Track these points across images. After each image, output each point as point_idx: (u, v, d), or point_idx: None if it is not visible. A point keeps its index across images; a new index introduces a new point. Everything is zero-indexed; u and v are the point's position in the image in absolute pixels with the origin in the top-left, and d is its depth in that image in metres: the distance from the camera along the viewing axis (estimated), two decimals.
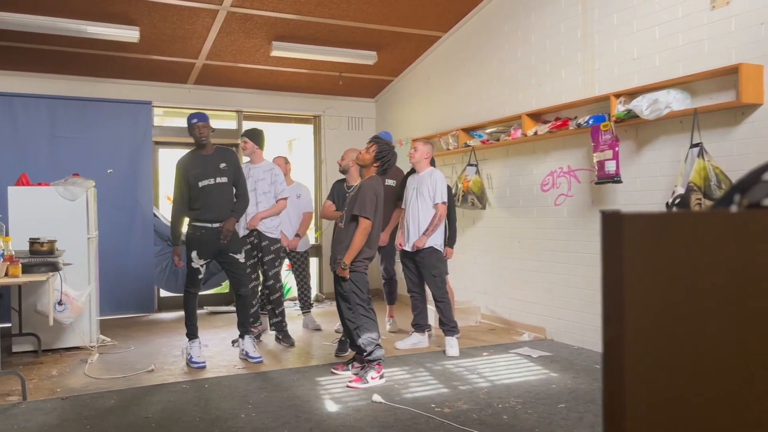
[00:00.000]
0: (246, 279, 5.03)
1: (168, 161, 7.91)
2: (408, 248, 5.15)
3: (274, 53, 6.81)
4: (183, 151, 8.16)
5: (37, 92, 6.84)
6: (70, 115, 6.88)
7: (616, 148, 4.68)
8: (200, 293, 7.50)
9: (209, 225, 4.77)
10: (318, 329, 6.24)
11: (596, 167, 4.83)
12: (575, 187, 5.36)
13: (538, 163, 5.78)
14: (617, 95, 4.73)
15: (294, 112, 8.38)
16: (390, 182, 5.96)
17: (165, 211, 7.72)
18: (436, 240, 5.17)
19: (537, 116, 5.68)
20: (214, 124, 8.22)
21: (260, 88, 8.04)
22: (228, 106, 7.96)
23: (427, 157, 5.29)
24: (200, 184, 4.76)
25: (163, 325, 6.67)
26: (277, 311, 5.64)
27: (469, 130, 6.49)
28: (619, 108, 4.69)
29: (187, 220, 4.85)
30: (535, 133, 5.46)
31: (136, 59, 6.84)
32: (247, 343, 4.98)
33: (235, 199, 4.92)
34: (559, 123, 5.23)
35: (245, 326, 5.01)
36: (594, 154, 4.85)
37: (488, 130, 6.19)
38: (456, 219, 5.72)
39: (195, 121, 4.80)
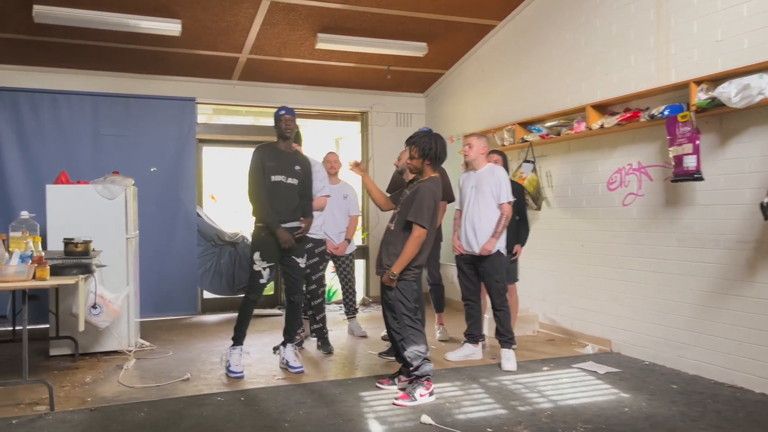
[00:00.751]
0: (301, 285, 4.75)
1: (212, 160, 7.73)
2: (474, 251, 4.73)
3: (320, 46, 6.51)
4: (228, 150, 8.06)
5: (81, 89, 6.73)
6: (113, 113, 6.74)
7: (697, 142, 4.16)
8: (239, 295, 7.32)
9: (270, 228, 4.50)
10: (363, 336, 5.90)
11: (672, 163, 4.32)
12: (647, 186, 4.84)
13: (604, 159, 5.28)
14: (698, 82, 4.20)
15: (340, 108, 8.06)
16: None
17: (208, 210, 7.53)
18: (501, 243, 4.75)
19: (603, 108, 5.18)
20: (260, 122, 8.03)
21: (306, 84, 7.76)
22: (273, 103, 7.68)
23: (484, 153, 4.86)
24: (273, 178, 4.49)
25: (204, 328, 6.46)
26: (318, 317, 5.32)
27: (527, 125, 6.03)
28: (700, 96, 4.17)
29: (252, 220, 4.60)
30: (601, 127, 4.96)
31: (179, 54, 6.65)
32: (289, 351, 4.67)
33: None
34: (628, 115, 4.72)
35: (291, 334, 4.70)
36: (670, 149, 4.34)
37: (548, 124, 5.72)
38: (527, 216, 5.41)
39: (283, 113, 4.58)
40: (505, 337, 4.73)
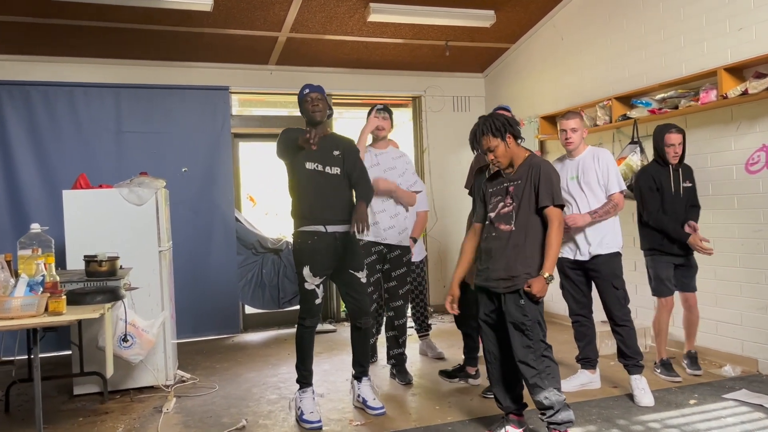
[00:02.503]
0: (368, 305, 3.80)
1: (250, 156, 6.84)
2: (584, 257, 3.78)
3: (372, 18, 5.58)
4: (266, 145, 7.16)
5: (100, 81, 5.88)
6: (137, 106, 5.89)
7: None
8: (293, 307, 6.45)
9: (323, 229, 3.58)
10: (441, 358, 4.96)
11: None
12: None
13: (740, 135, 4.26)
14: None
15: (391, 93, 7.12)
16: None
17: (248, 214, 6.65)
18: (617, 241, 3.79)
19: (737, 71, 4.17)
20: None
21: (352, 67, 6.83)
22: None
23: (585, 136, 3.90)
24: (307, 165, 3.60)
25: (250, 351, 5.57)
26: (400, 340, 4.40)
27: (628, 98, 5.02)
28: None
29: (291, 225, 3.69)
30: (744, 93, 3.95)
31: (210, 35, 5.76)
32: (365, 388, 3.75)
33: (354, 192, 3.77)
34: None
35: (364, 366, 3.79)
36: None
37: (658, 96, 4.72)
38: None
39: (307, 91, 3.68)
40: (633, 360, 3.76)
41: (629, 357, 3.76)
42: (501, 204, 3.00)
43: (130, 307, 3.88)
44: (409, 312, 4.90)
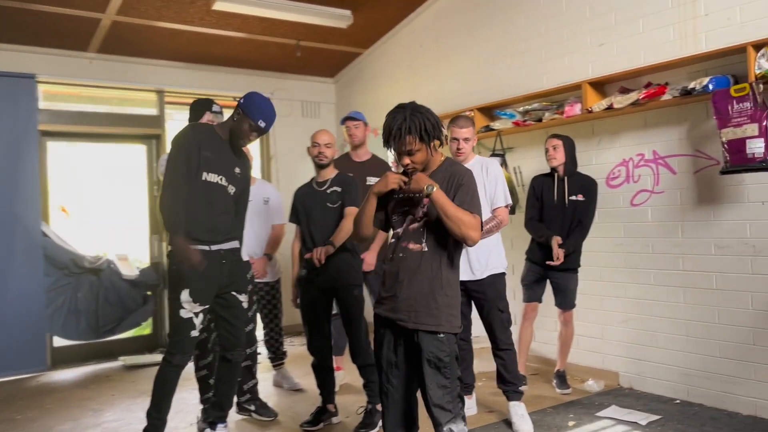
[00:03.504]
0: (244, 335, 3.20)
1: (62, 158, 5.76)
2: (473, 275, 3.47)
3: (218, 6, 4.94)
4: (82, 146, 6.07)
5: None
6: None
7: (765, 122, 3.25)
8: (115, 336, 5.50)
9: (207, 248, 2.96)
10: (298, 389, 4.42)
11: (725, 150, 3.39)
12: (667, 181, 3.91)
13: (601, 150, 4.29)
14: (758, 45, 3.31)
15: (232, 93, 6.42)
16: (373, 181, 4.28)
17: (59, 227, 5.56)
18: (502, 260, 3.55)
19: (598, 86, 4.20)
20: (127, 110, 6.17)
21: (189, 61, 6.08)
22: (146, 84, 5.93)
23: (474, 144, 3.63)
24: (205, 176, 2.96)
25: (62, 394, 4.57)
26: (254, 369, 3.79)
27: (491, 109, 4.91)
28: (762, 64, 3.27)
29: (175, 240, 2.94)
30: (609, 108, 3.95)
31: (13, 11, 4.71)
32: None
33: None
34: (652, 91, 3.75)
35: (225, 409, 3.15)
36: (721, 132, 3.40)
37: (522, 108, 4.64)
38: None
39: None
40: (513, 385, 3.54)
41: (509, 383, 3.53)
42: (409, 218, 2.46)
43: None
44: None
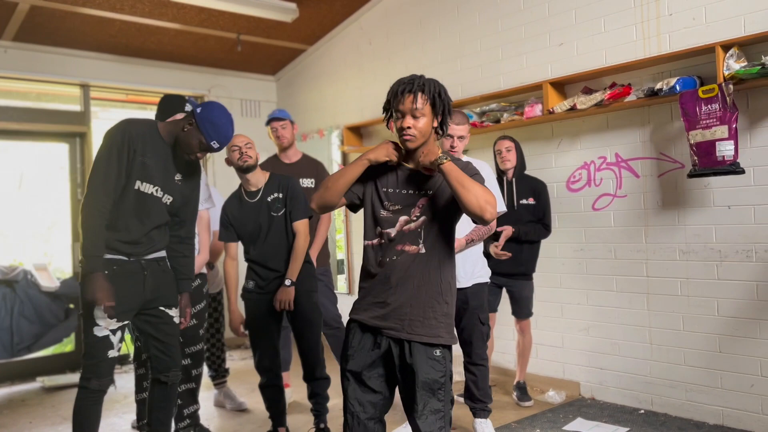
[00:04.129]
0: (179, 354, 2.80)
1: None
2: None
3: None
4: None
5: None
6: None
7: (734, 124, 3.17)
8: (32, 354, 4.94)
9: (125, 258, 2.61)
10: (242, 409, 4.06)
11: (693, 153, 3.30)
12: (630, 184, 3.80)
13: (560, 153, 4.15)
14: (726, 46, 3.23)
15: (166, 89, 5.97)
16: (307, 183, 4.03)
17: None
18: (486, 269, 3.34)
19: (559, 86, 4.07)
20: (47, 105, 5.60)
21: (119, 53, 5.59)
22: (68, 77, 5.41)
23: (467, 141, 3.36)
24: (139, 185, 2.59)
25: None
26: (197, 393, 3.41)
27: None
28: (731, 64, 3.20)
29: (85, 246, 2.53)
30: (572, 108, 3.82)
31: None
32: None
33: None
34: (618, 91, 3.63)
35: None
36: (689, 134, 3.31)
37: (479, 109, 4.46)
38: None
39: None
40: (482, 403, 3.32)
41: (478, 400, 3.31)
42: (402, 218, 2.14)
43: None
44: None
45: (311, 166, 4.10)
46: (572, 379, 4.12)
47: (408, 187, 2.13)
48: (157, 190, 2.63)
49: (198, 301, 3.38)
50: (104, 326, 2.51)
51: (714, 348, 3.45)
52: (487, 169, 3.31)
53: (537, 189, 3.88)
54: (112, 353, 2.55)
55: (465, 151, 4.24)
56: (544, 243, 4.10)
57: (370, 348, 2.15)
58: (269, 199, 3.24)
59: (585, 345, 4.05)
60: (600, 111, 3.79)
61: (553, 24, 4.14)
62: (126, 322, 2.60)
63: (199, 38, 5.51)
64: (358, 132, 5.57)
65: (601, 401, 3.94)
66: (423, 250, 2.10)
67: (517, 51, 4.36)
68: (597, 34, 3.91)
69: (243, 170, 3.20)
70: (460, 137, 3.19)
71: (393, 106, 2.09)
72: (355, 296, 2.24)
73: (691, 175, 3.33)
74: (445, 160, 2.00)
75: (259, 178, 3.27)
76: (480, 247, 3.35)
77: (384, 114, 2.16)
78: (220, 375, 4.15)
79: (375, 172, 2.16)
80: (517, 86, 4.25)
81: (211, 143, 2.60)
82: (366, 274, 2.20)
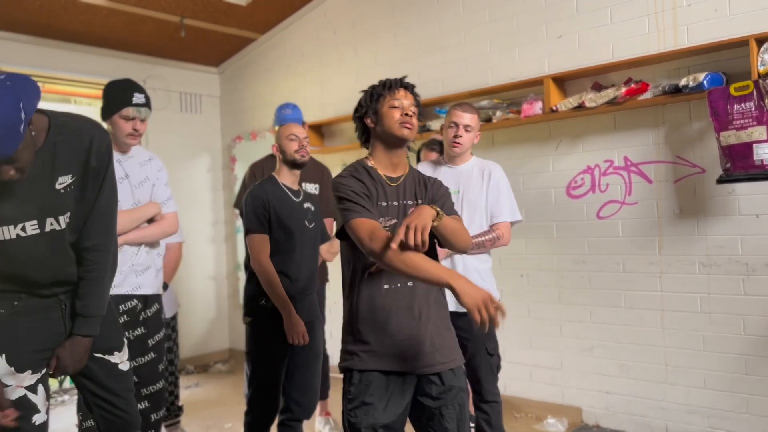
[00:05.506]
0: (135, 412, 2.13)
1: None
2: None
3: None
4: None
5: None
6: None
7: None
8: None
9: (24, 294, 1.91)
10: None
11: (726, 156, 2.99)
12: (641, 191, 3.47)
13: (560, 155, 3.78)
14: (761, 39, 2.95)
15: (92, 78, 5.18)
16: (312, 188, 3.56)
17: None
18: (494, 291, 2.86)
19: (559, 81, 3.70)
20: None
21: (37, 35, 4.77)
22: None
23: (477, 142, 2.91)
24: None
25: None
26: None
27: (425, 107, 4.24)
28: (765, 58, 2.92)
29: None
30: (580, 106, 3.44)
31: None
32: None
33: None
34: (634, 87, 3.29)
35: None
36: (720, 135, 3.00)
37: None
38: None
39: None
40: None
41: None
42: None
43: None
44: None
45: (317, 170, 3.62)
46: (573, 404, 3.74)
47: (398, 197, 1.97)
48: (9, 229, 1.80)
49: (156, 331, 2.74)
50: (15, 384, 1.86)
51: (740, 370, 3.16)
52: (498, 172, 2.88)
53: None
54: (38, 419, 1.89)
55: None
56: (539, 254, 3.71)
57: (400, 394, 1.89)
58: (305, 206, 2.78)
59: (588, 366, 3.69)
60: (609, 110, 3.44)
61: (551, 14, 3.77)
62: (42, 372, 1.93)
63: (136, 20, 4.79)
64: (318, 131, 5.01)
65: (607, 428, 3.58)
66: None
67: (508, 43, 3.96)
68: (602, 25, 3.57)
69: (297, 165, 2.77)
70: (466, 126, 2.76)
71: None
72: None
73: (721, 181, 3.02)
74: (442, 218, 1.79)
75: (298, 178, 2.86)
76: (488, 263, 2.90)
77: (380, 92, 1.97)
78: (172, 414, 3.49)
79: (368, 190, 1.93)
80: (510, 82, 3.86)
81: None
82: (371, 310, 1.89)
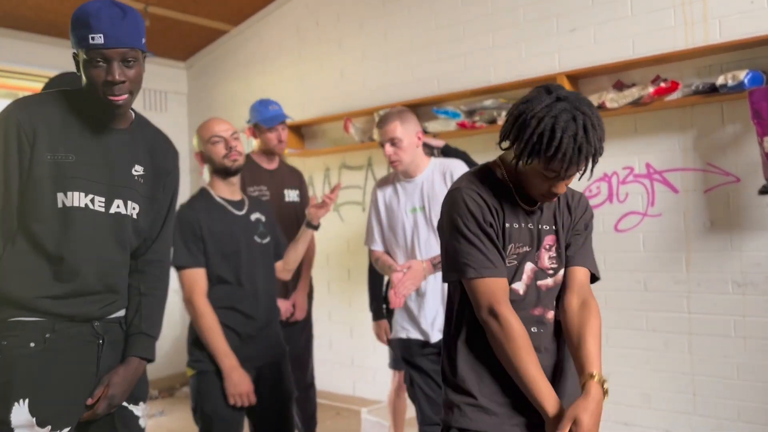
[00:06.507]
0: None
1: None
2: (427, 337, 2.39)
3: None
4: None
5: None
6: None
7: None
8: None
9: (66, 317, 1.55)
10: None
11: (767, 163, 2.67)
12: (666, 200, 3.14)
13: None
14: None
15: (48, 70, 4.63)
16: (293, 195, 3.17)
17: None
18: None
19: (572, 79, 3.35)
20: None
21: None
22: None
23: (419, 144, 2.54)
24: (62, 198, 1.53)
25: None
26: None
27: (423, 107, 3.84)
28: None
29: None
30: (600, 107, 3.09)
31: None
32: None
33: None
34: (664, 86, 2.94)
35: None
36: (763, 140, 2.68)
37: (466, 108, 3.65)
38: None
39: None
40: None
41: None
42: (531, 266, 1.55)
43: None
44: None
45: (295, 175, 3.28)
46: None
47: (525, 219, 1.60)
48: (91, 201, 1.56)
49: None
50: None
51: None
52: (461, 169, 2.46)
53: None
54: None
55: (464, 151, 3.34)
56: None
57: None
58: (252, 217, 2.27)
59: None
60: (629, 111, 3.10)
61: (562, 5, 3.42)
62: (67, 430, 1.53)
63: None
64: (298, 132, 4.58)
65: None
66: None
67: (513, 37, 3.60)
68: (622, 18, 3.23)
69: (230, 172, 2.28)
70: (392, 141, 2.42)
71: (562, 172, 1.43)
72: None
73: (764, 192, 2.70)
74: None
75: (238, 186, 2.34)
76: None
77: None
78: None
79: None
80: (516, 80, 3.49)
81: (94, 37, 1.50)
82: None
